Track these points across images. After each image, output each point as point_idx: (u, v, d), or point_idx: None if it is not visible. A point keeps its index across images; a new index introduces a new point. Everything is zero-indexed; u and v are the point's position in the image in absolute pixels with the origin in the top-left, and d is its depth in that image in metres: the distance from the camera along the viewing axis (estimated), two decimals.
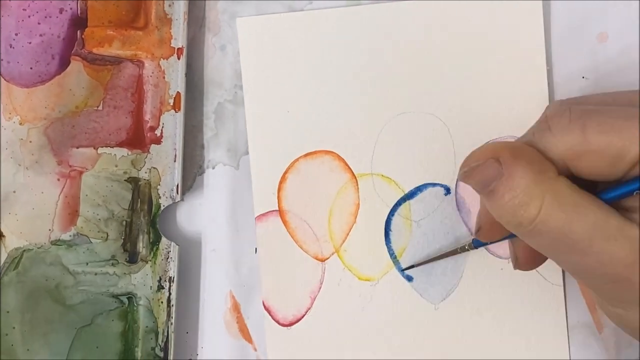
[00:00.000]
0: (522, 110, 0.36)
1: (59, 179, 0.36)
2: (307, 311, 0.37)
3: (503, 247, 0.37)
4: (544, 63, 0.36)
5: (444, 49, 0.36)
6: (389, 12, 0.37)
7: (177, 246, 0.36)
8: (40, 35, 0.36)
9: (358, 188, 0.37)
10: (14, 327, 0.36)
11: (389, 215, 0.37)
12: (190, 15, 0.37)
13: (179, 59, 0.36)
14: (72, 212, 0.36)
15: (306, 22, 0.37)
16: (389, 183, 0.37)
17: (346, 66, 0.37)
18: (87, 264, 0.36)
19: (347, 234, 0.37)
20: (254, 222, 0.37)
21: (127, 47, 0.36)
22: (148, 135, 0.36)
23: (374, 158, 0.37)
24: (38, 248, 0.36)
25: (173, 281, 0.36)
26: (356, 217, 0.37)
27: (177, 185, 0.36)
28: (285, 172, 0.37)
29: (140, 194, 0.36)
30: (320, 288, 0.37)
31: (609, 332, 0.37)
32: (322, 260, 0.37)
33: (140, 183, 0.36)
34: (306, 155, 0.37)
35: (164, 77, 0.36)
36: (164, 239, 0.36)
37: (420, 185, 0.37)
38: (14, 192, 0.36)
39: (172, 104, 0.36)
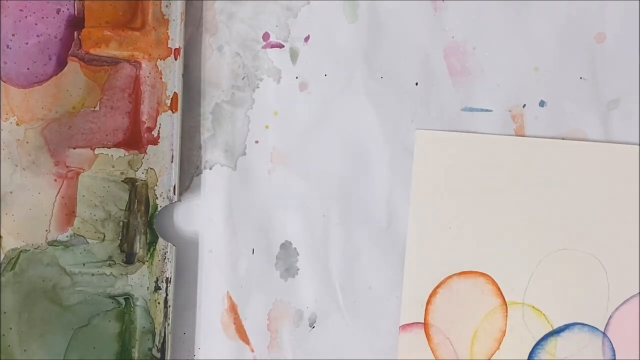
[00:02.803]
0: None
1: (55, 180, 0.36)
2: None
3: None
4: None
5: (612, 191, 0.36)
6: (562, 148, 0.37)
7: (174, 247, 0.36)
8: (37, 35, 0.36)
9: (507, 315, 0.37)
10: (10, 328, 0.36)
11: (533, 348, 0.37)
12: (188, 15, 0.37)
13: (176, 59, 0.36)
14: (69, 213, 0.36)
15: (483, 144, 0.37)
16: (539, 316, 0.36)
17: (514, 193, 0.37)
18: (84, 264, 0.36)
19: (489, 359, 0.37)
20: (251, 223, 0.37)
21: (124, 47, 0.36)
22: (145, 135, 0.36)
23: (528, 288, 0.36)
24: (35, 249, 0.36)
25: (170, 282, 0.36)
26: (500, 343, 0.37)
27: (174, 186, 0.36)
28: (437, 287, 0.37)
29: (137, 195, 0.36)
30: None
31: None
32: None
33: (137, 184, 0.36)
34: (460, 273, 0.37)
35: (161, 78, 0.36)
36: (161, 240, 0.36)
37: (570, 324, 0.36)
38: (11, 192, 0.36)
39: (169, 104, 0.36)
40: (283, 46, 0.38)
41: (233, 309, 0.38)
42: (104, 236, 0.36)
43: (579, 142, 0.37)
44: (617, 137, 0.37)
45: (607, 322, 0.36)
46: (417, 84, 0.37)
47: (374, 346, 0.38)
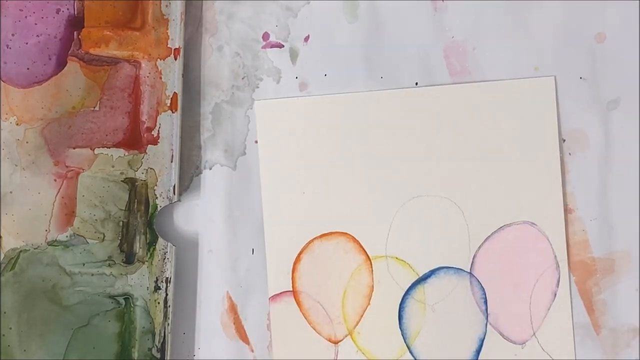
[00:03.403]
0: (536, 194, 0.36)
1: (55, 180, 0.36)
2: None
3: (517, 333, 0.37)
4: (557, 144, 0.36)
5: (458, 133, 0.37)
6: (404, 97, 0.37)
7: (173, 247, 0.36)
8: (37, 35, 0.36)
9: (372, 270, 0.37)
10: (10, 328, 0.36)
11: (403, 299, 0.37)
12: (187, 15, 0.37)
13: (175, 59, 0.36)
14: (68, 213, 0.36)
15: (323, 106, 0.37)
16: (404, 266, 0.37)
17: (362, 149, 0.37)
18: (83, 264, 0.36)
19: (361, 317, 0.37)
20: (251, 223, 0.37)
21: (124, 47, 0.36)
22: (145, 135, 0.36)
23: (389, 240, 0.37)
24: (35, 249, 0.36)
25: (170, 282, 0.36)
26: (370, 299, 0.37)
27: (174, 186, 0.36)
28: (300, 253, 0.37)
29: (137, 195, 0.36)
30: None
31: (607, 333, 0.37)
32: (336, 343, 0.37)
33: (137, 184, 0.36)
34: (321, 236, 0.37)
35: (160, 78, 0.36)
36: (160, 240, 0.36)
37: (435, 269, 0.37)
38: (11, 192, 0.36)
39: (169, 104, 0.36)
40: (283, 46, 0.38)
41: (233, 308, 0.38)
42: (104, 236, 0.36)
43: (414, 89, 0.37)
44: (617, 136, 0.37)
45: (472, 262, 0.37)
46: (417, 84, 0.37)
47: None
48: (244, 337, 0.38)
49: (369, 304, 0.37)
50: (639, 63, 0.37)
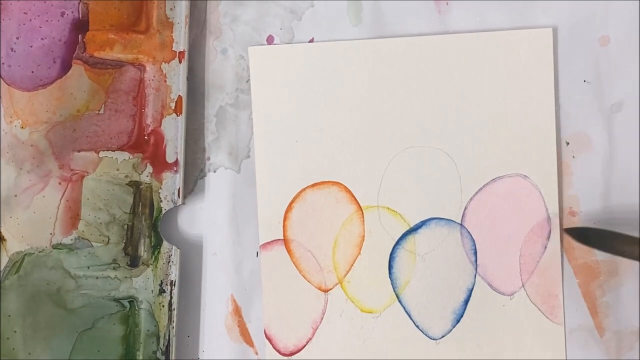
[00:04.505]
0: (530, 147, 0.36)
1: (60, 183, 0.36)
2: (308, 341, 0.37)
3: (505, 284, 0.37)
4: (552, 98, 0.36)
5: (453, 84, 0.37)
6: (398, 46, 0.37)
7: (178, 250, 0.36)
8: (42, 38, 0.36)
9: (364, 220, 0.37)
10: (15, 331, 0.36)
11: (393, 248, 0.37)
12: (192, 18, 0.37)
13: (180, 62, 0.36)
14: (73, 216, 0.36)
15: (317, 54, 0.37)
16: (395, 216, 0.37)
17: (355, 98, 0.37)
18: (88, 267, 0.36)
19: (351, 266, 0.37)
20: (255, 226, 0.38)
21: (129, 50, 0.36)
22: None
23: (381, 190, 0.37)
24: (39, 252, 0.36)
25: (174, 285, 0.36)
26: (361, 248, 0.37)
27: (179, 189, 0.36)
28: (292, 202, 0.37)
29: (142, 198, 0.36)
30: (322, 318, 0.37)
31: (610, 336, 0.37)
32: (325, 291, 0.37)
33: (141, 187, 0.36)
34: (313, 185, 0.37)
35: (165, 81, 0.36)
36: (165, 243, 0.36)
37: (426, 220, 0.37)
38: (15, 196, 0.36)
39: (173, 107, 0.36)
40: None
41: (237, 311, 0.38)
42: (109, 239, 0.36)
43: (409, 38, 0.37)
44: (621, 139, 0.37)
45: (463, 213, 0.37)
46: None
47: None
48: (248, 340, 0.38)
49: (359, 253, 0.37)
50: None
